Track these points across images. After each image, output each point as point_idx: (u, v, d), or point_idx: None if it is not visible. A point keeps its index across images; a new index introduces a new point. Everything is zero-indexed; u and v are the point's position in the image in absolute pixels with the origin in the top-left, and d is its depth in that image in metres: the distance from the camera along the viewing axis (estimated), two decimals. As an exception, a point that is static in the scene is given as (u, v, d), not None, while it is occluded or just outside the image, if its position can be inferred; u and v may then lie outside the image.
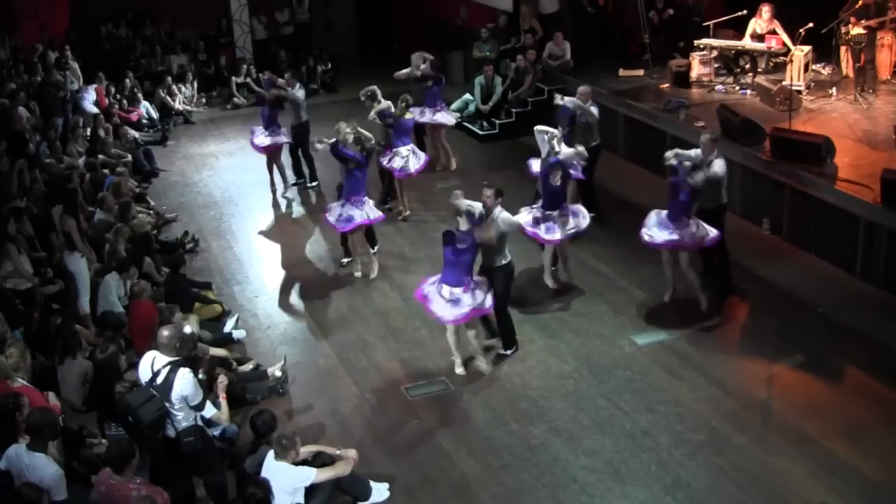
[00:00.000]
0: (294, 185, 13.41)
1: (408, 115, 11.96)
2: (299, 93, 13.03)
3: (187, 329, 7.54)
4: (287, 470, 6.37)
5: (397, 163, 11.71)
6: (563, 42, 15.38)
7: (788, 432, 7.55)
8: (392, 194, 12.24)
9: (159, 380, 6.40)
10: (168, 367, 6.41)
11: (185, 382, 6.38)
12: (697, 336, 9.03)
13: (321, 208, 12.74)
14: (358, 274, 10.50)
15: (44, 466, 5.80)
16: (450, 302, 8.14)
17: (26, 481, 5.74)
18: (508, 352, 8.84)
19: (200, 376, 6.99)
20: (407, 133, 11.90)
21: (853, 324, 9.10)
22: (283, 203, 13.11)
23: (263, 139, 12.99)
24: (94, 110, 15.31)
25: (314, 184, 13.41)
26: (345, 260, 10.83)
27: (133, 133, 15.41)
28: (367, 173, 10.36)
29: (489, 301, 8.32)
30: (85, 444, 7.13)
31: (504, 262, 8.56)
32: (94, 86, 16.08)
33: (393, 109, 11.83)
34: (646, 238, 9.29)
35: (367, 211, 10.19)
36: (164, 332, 6.56)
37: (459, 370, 8.58)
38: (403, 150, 11.74)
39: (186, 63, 18.91)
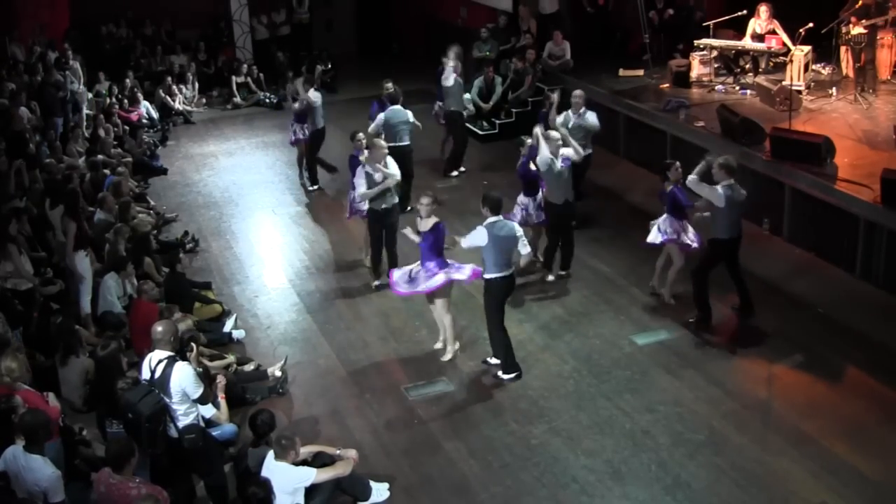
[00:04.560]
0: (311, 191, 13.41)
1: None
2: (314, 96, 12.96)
3: (182, 326, 7.57)
4: (287, 470, 6.37)
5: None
6: (563, 42, 15.38)
7: (788, 432, 7.54)
8: None
9: (157, 375, 6.43)
10: (165, 362, 6.43)
11: (182, 375, 6.40)
12: (697, 336, 9.03)
13: (321, 208, 12.81)
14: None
15: (40, 468, 5.81)
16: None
17: (22, 487, 5.75)
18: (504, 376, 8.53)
19: (198, 369, 7.00)
20: None
21: (853, 324, 9.10)
22: (283, 204, 13.11)
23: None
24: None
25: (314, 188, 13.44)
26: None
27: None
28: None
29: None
30: (75, 440, 7.11)
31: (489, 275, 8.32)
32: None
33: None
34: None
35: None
36: (158, 328, 6.58)
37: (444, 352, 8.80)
38: None
39: (186, 63, 18.92)
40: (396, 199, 10.13)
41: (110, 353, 7.67)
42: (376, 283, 10.28)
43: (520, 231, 8.25)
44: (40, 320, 8.85)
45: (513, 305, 9.69)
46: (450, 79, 13.28)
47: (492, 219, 8.14)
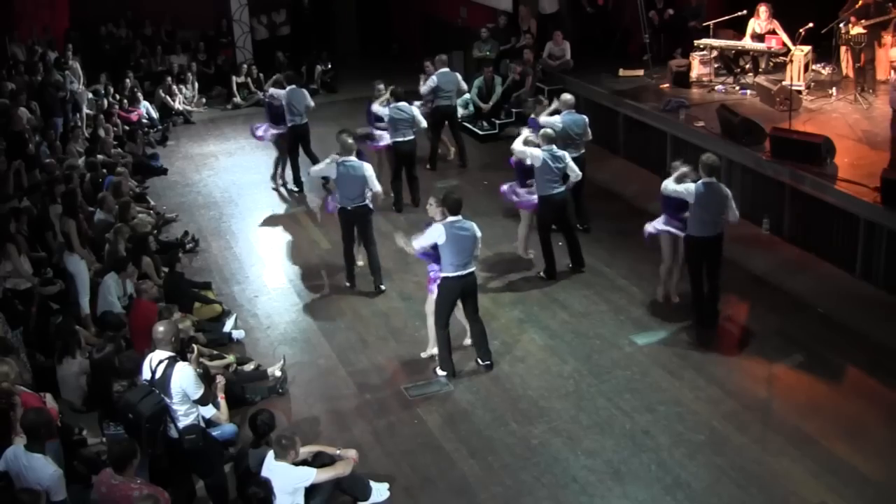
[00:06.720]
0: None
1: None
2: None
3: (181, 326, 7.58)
4: (287, 470, 6.37)
5: None
6: (563, 42, 15.38)
7: (788, 432, 7.54)
8: None
9: (157, 375, 6.42)
10: (165, 362, 6.43)
11: (183, 376, 6.40)
12: (697, 336, 9.02)
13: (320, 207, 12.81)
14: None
15: (42, 467, 5.80)
16: None
17: (24, 486, 5.74)
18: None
19: (198, 370, 7.02)
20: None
21: (853, 324, 9.10)
22: (283, 204, 13.10)
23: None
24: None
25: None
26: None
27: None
28: None
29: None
30: (74, 440, 7.10)
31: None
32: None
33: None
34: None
35: None
36: (160, 328, 6.58)
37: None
38: None
39: (186, 63, 18.92)
40: (367, 201, 10.06)
41: (105, 356, 7.67)
42: (347, 284, 10.41)
43: (479, 232, 8.25)
44: (40, 320, 8.85)
45: (513, 305, 9.73)
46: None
47: (451, 218, 8.14)
